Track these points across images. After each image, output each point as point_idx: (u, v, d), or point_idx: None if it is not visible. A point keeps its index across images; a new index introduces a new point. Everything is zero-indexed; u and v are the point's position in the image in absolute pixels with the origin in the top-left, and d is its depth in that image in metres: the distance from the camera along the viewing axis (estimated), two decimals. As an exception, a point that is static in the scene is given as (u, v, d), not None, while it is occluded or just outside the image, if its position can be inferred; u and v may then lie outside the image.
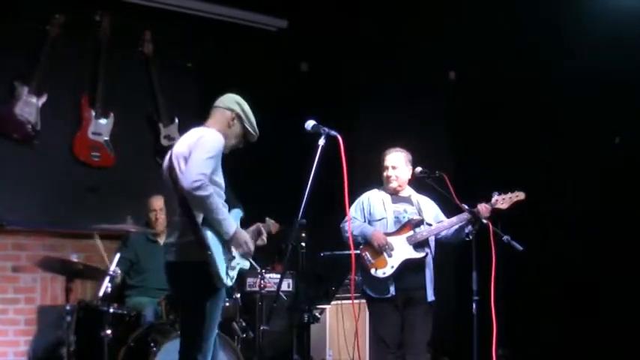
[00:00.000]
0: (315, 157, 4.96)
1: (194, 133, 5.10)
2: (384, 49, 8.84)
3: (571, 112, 7.68)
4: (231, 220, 4.95)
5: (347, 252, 5.19)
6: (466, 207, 6.13)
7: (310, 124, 5.09)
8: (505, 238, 5.91)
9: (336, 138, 4.98)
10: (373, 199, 6.62)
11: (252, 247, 5.08)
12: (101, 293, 6.46)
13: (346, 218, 6.61)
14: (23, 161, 7.62)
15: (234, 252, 5.03)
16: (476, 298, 5.80)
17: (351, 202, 4.91)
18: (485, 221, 6.06)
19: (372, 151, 8.42)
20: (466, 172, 7.89)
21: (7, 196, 7.50)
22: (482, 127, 8.45)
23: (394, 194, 6.59)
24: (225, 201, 5.06)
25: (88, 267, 6.50)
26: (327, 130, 5.03)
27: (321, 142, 5.00)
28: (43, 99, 7.67)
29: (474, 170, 8.16)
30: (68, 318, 6.09)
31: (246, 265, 5.22)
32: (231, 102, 5.28)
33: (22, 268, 7.58)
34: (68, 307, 6.09)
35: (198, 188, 4.74)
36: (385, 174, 6.57)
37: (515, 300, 7.04)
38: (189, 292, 5.02)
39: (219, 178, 5.03)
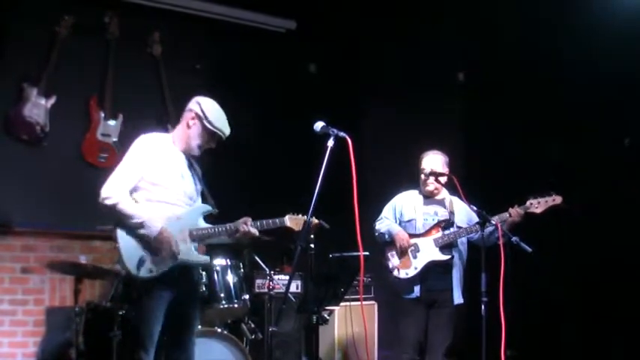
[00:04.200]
0: (324, 158, 4.95)
1: None
2: (392, 50, 8.83)
3: (581, 113, 7.65)
4: (149, 223, 5.10)
5: (356, 253, 5.18)
6: (474, 208, 6.11)
7: (319, 125, 5.08)
8: (514, 239, 5.89)
9: (345, 139, 4.97)
10: (405, 200, 6.75)
11: (173, 250, 5.14)
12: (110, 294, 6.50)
13: (379, 217, 6.71)
14: (32, 163, 7.63)
15: (178, 246, 5.18)
16: (485, 299, 5.78)
17: (359, 203, 4.88)
18: (493, 222, 6.06)
19: (382, 151, 8.46)
20: (475, 173, 7.87)
21: (15, 197, 7.52)
22: (492, 127, 8.42)
23: (428, 197, 6.62)
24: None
25: (96, 268, 6.50)
26: (335, 131, 5.01)
27: (330, 143, 4.98)
28: (52, 100, 7.68)
29: (484, 171, 8.14)
30: (77, 319, 6.09)
31: (198, 258, 5.37)
32: (193, 103, 5.47)
33: (31, 270, 7.58)
34: (77, 309, 6.10)
35: (104, 199, 5.10)
36: (422, 177, 6.60)
37: (525, 301, 7.01)
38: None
39: (160, 178, 5.25)
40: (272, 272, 7.12)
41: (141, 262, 5.05)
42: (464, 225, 6.53)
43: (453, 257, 6.48)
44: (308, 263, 5.20)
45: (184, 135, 5.41)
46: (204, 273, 6.49)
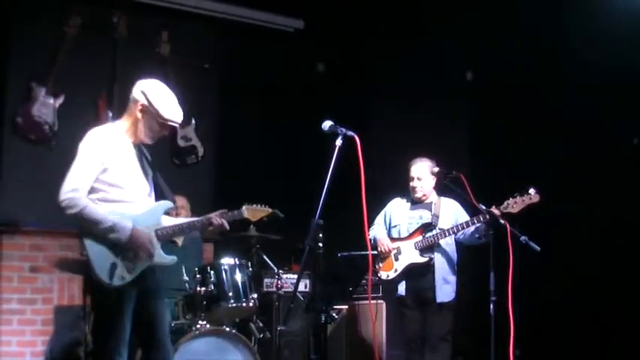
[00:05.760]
0: (332, 157, 4.95)
1: None
2: (400, 49, 8.83)
3: (590, 112, 7.63)
4: (120, 225, 4.83)
5: (364, 252, 5.19)
6: (483, 207, 6.14)
7: (327, 124, 5.09)
8: (523, 238, 5.91)
9: (353, 138, 4.97)
10: (394, 207, 6.99)
11: (150, 250, 4.94)
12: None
13: (373, 223, 6.79)
14: (40, 162, 7.64)
15: (153, 243, 4.98)
16: (493, 298, 5.80)
17: (368, 202, 4.89)
18: (502, 222, 6.05)
19: (389, 151, 8.46)
20: (482, 172, 7.86)
21: (24, 196, 7.54)
22: (499, 127, 8.42)
23: (417, 202, 6.73)
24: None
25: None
26: (344, 130, 5.02)
27: (338, 142, 4.99)
28: (60, 100, 7.69)
29: (490, 170, 8.13)
30: (85, 318, 6.09)
31: (164, 259, 5.10)
32: (137, 91, 5.11)
33: (39, 269, 7.60)
34: (85, 308, 6.09)
35: (67, 208, 4.83)
36: (410, 184, 6.84)
37: (533, 300, 7.01)
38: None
39: (115, 177, 4.94)
40: (280, 271, 7.14)
41: (112, 270, 4.82)
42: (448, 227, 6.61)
43: (432, 259, 6.61)
44: (316, 262, 5.20)
45: (133, 127, 5.09)
46: (212, 272, 6.49)
